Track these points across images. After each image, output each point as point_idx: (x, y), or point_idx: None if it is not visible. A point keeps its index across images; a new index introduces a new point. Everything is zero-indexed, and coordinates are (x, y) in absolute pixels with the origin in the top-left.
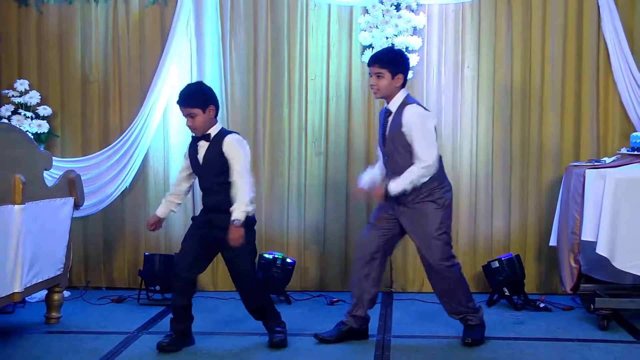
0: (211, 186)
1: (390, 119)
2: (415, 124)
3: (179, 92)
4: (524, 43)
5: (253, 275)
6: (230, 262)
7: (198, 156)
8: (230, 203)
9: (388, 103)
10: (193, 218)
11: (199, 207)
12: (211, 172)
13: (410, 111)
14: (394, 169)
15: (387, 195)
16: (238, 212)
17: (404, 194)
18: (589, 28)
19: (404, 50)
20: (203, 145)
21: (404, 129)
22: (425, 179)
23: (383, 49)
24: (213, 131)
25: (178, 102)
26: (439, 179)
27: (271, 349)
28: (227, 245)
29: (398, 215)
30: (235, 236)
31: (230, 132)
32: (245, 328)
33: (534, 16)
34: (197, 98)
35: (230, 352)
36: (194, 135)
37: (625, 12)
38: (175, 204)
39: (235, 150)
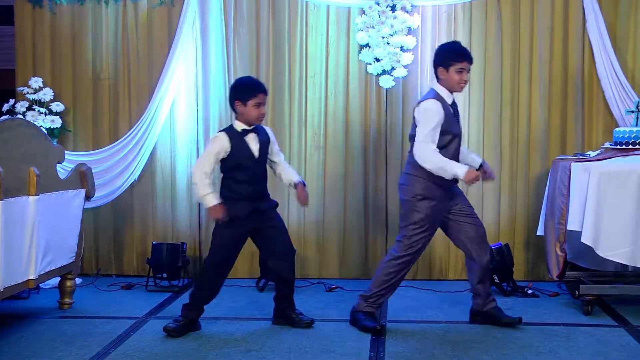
0: (261, 175)
1: (457, 109)
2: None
3: (254, 82)
4: (513, 43)
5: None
6: (279, 232)
7: (251, 149)
8: (267, 187)
9: (452, 93)
10: (231, 219)
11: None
12: (264, 162)
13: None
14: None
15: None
16: (296, 175)
17: None
18: (574, 29)
19: (399, 49)
20: (253, 138)
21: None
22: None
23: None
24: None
25: (264, 89)
26: None
27: (303, 328)
28: (275, 221)
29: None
30: (307, 194)
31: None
32: (248, 313)
33: (522, 17)
34: None
35: (233, 335)
36: (233, 129)
37: (609, 14)
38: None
39: (274, 135)
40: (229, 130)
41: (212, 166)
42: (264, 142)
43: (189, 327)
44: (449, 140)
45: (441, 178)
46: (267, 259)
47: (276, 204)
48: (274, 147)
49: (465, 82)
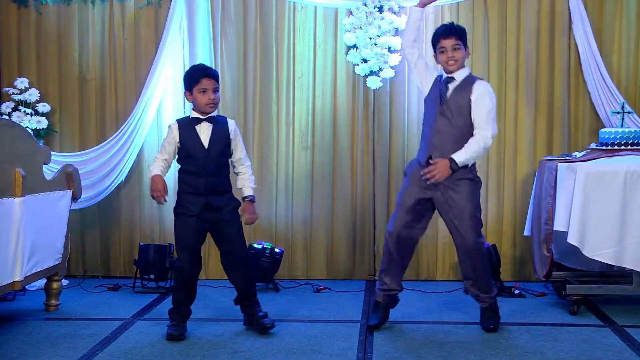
0: (214, 168)
1: (452, 85)
2: (485, 99)
3: (196, 67)
4: (500, 44)
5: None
6: (233, 238)
7: (200, 139)
8: (228, 184)
9: (450, 74)
10: (183, 212)
11: None
12: (215, 154)
13: (483, 86)
14: (439, 135)
15: (452, 167)
16: (250, 189)
17: (465, 167)
18: (560, 31)
19: (387, 50)
20: (206, 128)
21: (472, 97)
22: (486, 152)
23: (450, 23)
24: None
25: (208, 73)
26: None
27: (263, 335)
28: (229, 225)
29: (431, 195)
30: (253, 211)
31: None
32: (235, 315)
33: (508, 19)
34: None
35: (221, 337)
36: (188, 118)
37: (595, 16)
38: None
39: (239, 134)
40: (183, 119)
41: (168, 155)
42: (219, 134)
43: (184, 323)
44: None
45: None
46: (221, 258)
47: (237, 204)
48: (238, 145)
49: (449, 58)
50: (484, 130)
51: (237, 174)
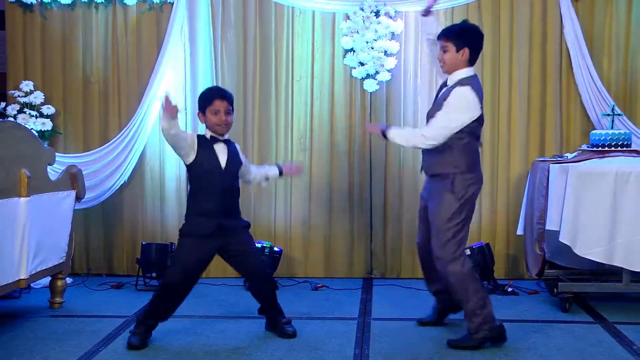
0: (229, 190)
1: (443, 90)
2: (449, 103)
3: (210, 90)
4: (493, 48)
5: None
6: (249, 256)
7: (219, 159)
8: (239, 207)
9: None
10: (189, 232)
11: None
12: (231, 175)
13: (458, 91)
14: (423, 150)
15: (384, 134)
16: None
17: (447, 177)
18: (552, 35)
19: (383, 53)
20: (222, 149)
21: (444, 102)
22: (418, 147)
23: (454, 24)
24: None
25: (221, 95)
26: (465, 168)
27: (284, 338)
28: (244, 245)
29: (425, 203)
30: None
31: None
32: (236, 312)
33: (502, 23)
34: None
35: (222, 334)
36: (204, 137)
37: (586, 20)
38: None
39: (245, 158)
40: (201, 136)
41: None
42: (234, 156)
43: (148, 333)
44: None
45: None
46: (244, 278)
47: (247, 225)
48: (247, 167)
49: (439, 60)
50: (425, 129)
51: (251, 177)
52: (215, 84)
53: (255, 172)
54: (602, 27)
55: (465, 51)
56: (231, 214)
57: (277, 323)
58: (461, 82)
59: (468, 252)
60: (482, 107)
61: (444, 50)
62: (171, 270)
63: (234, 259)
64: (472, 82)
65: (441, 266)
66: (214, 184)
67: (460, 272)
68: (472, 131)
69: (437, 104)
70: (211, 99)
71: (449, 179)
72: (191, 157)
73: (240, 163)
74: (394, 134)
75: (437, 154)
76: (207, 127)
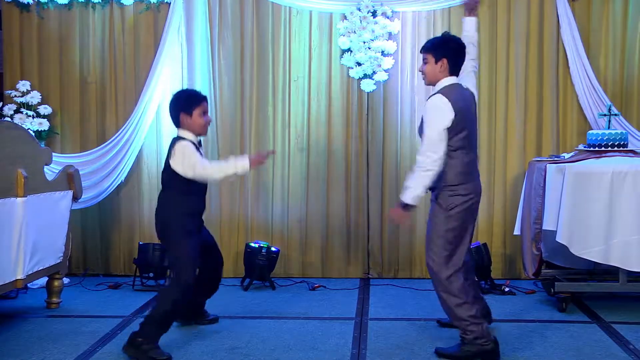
0: (206, 187)
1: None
2: (427, 119)
3: (195, 91)
4: (491, 48)
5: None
6: (214, 247)
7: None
8: None
9: None
10: (188, 232)
11: None
12: None
13: (430, 102)
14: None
15: (407, 207)
16: None
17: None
18: (549, 35)
19: (380, 53)
20: (201, 150)
21: (423, 115)
22: (429, 178)
23: (435, 37)
24: None
25: (205, 97)
26: (451, 182)
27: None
28: (210, 237)
29: None
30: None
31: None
32: (233, 312)
33: (499, 24)
34: None
35: (219, 333)
36: (192, 142)
37: (582, 20)
38: None
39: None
40: (190, 142)
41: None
42: (203, 154)
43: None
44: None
45: None
46: (205, 266)
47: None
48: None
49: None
50: (418, 161)
51: None
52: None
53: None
54: (599, 26)
55: (444, 62)
56: (203, 213)
57: (202, 312)
58: (435, 92)
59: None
60: (462, 115)
61: (425, 62)
62: (186, 274)
63: (204, 250)
64: (448, 90)
65: (431, 274)
66: (200, 186)
67: (447, 285)
68: (457, 145)
69: (421, 123)
70: (199, 99)
71: (436, 191)
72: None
73: None
74: (410, 196)
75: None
76: (188, 127)
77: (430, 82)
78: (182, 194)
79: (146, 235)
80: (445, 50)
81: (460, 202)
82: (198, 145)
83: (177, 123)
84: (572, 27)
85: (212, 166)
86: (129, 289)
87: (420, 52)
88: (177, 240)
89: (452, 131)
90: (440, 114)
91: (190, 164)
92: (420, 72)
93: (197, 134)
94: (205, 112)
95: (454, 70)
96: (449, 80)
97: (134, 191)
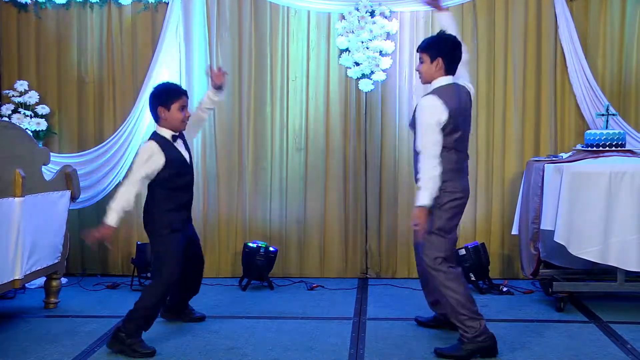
0: (193, 181)
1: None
2: (419, 120)
3: (175, 85)
4: (488, 48)
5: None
6: (196, 244)
7: (184, 155)
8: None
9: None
10: (171, 229)
11: None
12: (193, 168)
13: (421, 103)
14: (414, 156)
15: (424, 210)
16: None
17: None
18: (547, 35)
19: (378, 53)
20: (180, 144)
21: (415, 115)
22: (438, 171)
23: (431, 36)
24: None
25: (185, 91)
26: (440, 179)
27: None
28: (192, 234)
29: None
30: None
31: None
32: (231, 312)
33: (497, 23)
34: None
35: (217, 333)
36: (163, 137)
37: (580, 20)
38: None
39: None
40: (159, 139)
41: (141, 186)
42: (187, 147)
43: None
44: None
45: None
46: (187, 262)
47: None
48: (195, 112)
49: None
50: (421, 156)
51: (203, 109)
52: (210, 84)
53: (202, 103)
54: (597, 26)
55: (439, 61)
56: (191, 205)
57: (186, 310)
58: (428, 93)
59: (459, 268)
60: (456, 115)
61: (421, 61)
62: (169, 270)
63: (189, 244)
64: (441, 90)
65: (429, 270)
66: (185, 180)
67: (443, 280)
68: (451, 145)
69: (413, 121)
70: (179, 93)
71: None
72: (161, 163)
73: (192, 152)
74: (422, 199)
75: (417, 166)
76: (165, 122)
77: (427, 81)
78: (166, 189)
79: (143, 235)
80: (441, 49)
81: (449, 199)
82: (174, 139)
83: (156, 118)
84: (570, 27)
85: (124, 188)
86: (127, 289)
87: (417, 51)
88: (161, 236)
89: (445, 131)
90: (432, 115)
91: (132, 168)
92: (417, 72)
93: (176, 129)
94: (184, 107)
95: (450, 69)
96: (445, 79)
97: None
